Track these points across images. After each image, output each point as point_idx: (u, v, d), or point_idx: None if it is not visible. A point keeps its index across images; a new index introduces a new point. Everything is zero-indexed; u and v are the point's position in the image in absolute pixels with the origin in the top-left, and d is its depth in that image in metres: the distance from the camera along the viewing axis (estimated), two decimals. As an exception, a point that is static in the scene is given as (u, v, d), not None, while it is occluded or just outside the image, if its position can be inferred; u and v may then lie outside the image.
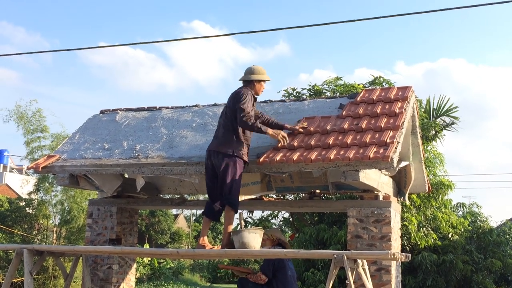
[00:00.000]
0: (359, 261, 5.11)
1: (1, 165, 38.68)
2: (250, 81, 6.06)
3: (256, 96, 6.11)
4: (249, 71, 6.08)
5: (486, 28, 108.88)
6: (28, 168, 7.54)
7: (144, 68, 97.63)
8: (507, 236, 14.60)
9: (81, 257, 6.90)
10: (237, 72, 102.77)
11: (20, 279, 14.94)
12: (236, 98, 5.90)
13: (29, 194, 19.96)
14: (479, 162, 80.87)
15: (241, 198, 6.30)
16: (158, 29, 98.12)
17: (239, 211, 6.20)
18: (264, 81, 6.11)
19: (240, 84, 6.14)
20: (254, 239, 5.71)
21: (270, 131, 5.90)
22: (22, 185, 21.05)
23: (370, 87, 12.84)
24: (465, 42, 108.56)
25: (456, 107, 14.44)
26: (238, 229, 5.88)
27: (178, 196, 8.01)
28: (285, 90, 14.02)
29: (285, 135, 6.03)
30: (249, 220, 14.32)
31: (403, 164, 6.64)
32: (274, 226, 13.85)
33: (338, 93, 12.56)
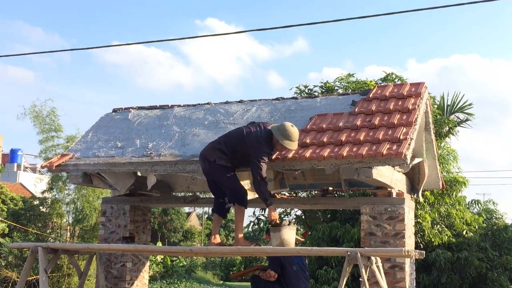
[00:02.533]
0: (372, 258, 5.08)
1: (15, 164, 38.98)
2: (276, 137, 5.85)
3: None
4: (285, 129, 5.82)
5: (496, 22, 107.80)
6: (42, 167, 7.59)
7: (160, 67, 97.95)
8: (523, 233, 14.46)
9: (95, 255, 6.94)
10: (255, 70, 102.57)
11: (34, 277, 15.04)
12: (256, 145, 5.80)
13: (43, 192, 20.10)
14: (496, 159, 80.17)
15: (254, 195, 6.29)
16: (172, 28, 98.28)
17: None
18: (287, 148, 5.87)
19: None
20: (292, 235, 5.81)
21: (272, 209, 5.93)
22: (36, 183, 21.20)
23: (383, 84, 12.77)
24: (474, 37, 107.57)
25: (470, 104, 14.31)
26: (275, 225, 5.85)
27: (191, 194, 8.03)
28: (297, 87, 13.99)
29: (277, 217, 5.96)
30: (261, 217, 14.33)
31: (416, 160, 6.59)
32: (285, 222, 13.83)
33: (350, 90, 12.50)
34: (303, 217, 14.21)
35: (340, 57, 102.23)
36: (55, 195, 19.76)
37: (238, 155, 5.92)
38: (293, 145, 5.84)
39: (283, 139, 5.78)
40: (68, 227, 20.37)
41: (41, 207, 20.54)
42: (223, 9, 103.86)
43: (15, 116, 19.10)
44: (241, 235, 6.03)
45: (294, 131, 5.85)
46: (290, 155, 5.85)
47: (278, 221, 5.87)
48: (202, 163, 6.05)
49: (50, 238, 19.53)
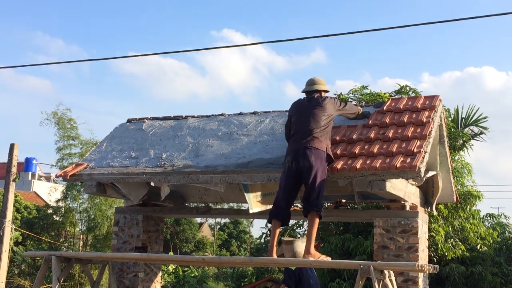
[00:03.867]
0: (385, 272, 5.05)
1: (30, 172, 39.32)
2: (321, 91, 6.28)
3: None
4: (320, 82, 6.30)
5: (507, 34, 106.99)
6: (57, 176, 7.68)
7: (177, 77, 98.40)
8: (537, 248, 14.27)
9: (107, 265, 6.96)
10: (271, 81, 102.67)
11: (47, 286, 15.12)
12: (332, 101, 6.12)
13: (57, 201, 20.27)
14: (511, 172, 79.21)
15: (267, 207, 6.29)
16: (188, 38, 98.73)
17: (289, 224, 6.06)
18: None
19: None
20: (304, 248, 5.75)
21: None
22: (50, 192, 21.39)
23: (397, 96, 12.74)
24: (489, 49, 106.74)
25: (485, 117, 14.20)
26: (286, 239, 5.82)
27: (204, 204, 8.04)
28: (310, 100, 13.97)
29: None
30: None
31: (430, 174, 6.56)
32: (298, 236, 13.79)
33: (364, 102, 12.47)
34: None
35: (356, 68, 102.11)
36: (69, 204, 19.93)
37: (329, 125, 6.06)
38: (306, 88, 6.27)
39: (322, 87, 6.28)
40: (81, 236, 20.50)
41: (54, 216, 20.71)
42: (239, 20, 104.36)
43: (38, 123, 19.39)
44: (312, 248, 5.68)
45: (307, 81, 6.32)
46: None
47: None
48: (304, 153, 5.67)
49: (63, 247, 19.67)
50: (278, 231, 5.93)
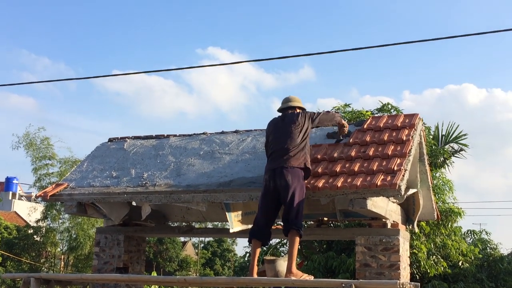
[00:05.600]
0: (367, 290, 5.05)
1: (10, 192, 38.81)
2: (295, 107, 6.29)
3: None
4: (295, 99, 6.34)
5: (490, 52, 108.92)
6: (37, 196, 7.61)
7: (164, 95, 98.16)
8: (519, 264, 14.41)
9: (88, 286, 6.88)
10: (259, 99, 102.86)
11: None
12: (305, 115, 6.09)
13: (37, 221, 20.01)
14: (494, 188, 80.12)
15: (248, 226, 6.27)
16: (173, 56, 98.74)
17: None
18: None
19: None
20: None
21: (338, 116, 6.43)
22: (30, 212, 21.13)
23: (378, 114, 12.86)
24: (468, 67, 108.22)
25: (465, 134, 14.41)
26: (268, 258, 5.80)
27: (186, 224, 8.00)
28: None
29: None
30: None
31: (411, 191, 6.61)
32: (282, 255, 13.74)
33: (346, 120, 12.57)
34: (299, 247, 14.13)
35: (343, 86, 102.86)
36: (49, 224, 19.69)
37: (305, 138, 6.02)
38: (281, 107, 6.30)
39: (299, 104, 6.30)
40: (62, 256, 20.23)
41: (35, 236, 20.43)
42: (225, 37, 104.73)
43: (11, 146, 19.18)
44: (294, 267, 5.64)
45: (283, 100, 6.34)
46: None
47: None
48: (280, 172, 5.69)
49: (44, 268, 19.38)
50: (258, 250, 5.93)
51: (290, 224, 5.63)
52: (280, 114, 6.29)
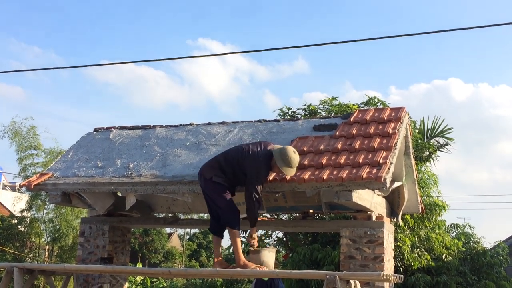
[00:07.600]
0: (351, 282, 5.09)
1: (-6, 182, 38.44)
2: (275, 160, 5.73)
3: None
4: (286, 155, 5.67)
5: (476, 47, 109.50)
6: (21, 186, 7.50)
7: (156, 86, 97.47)
8: (501, 258, 14.55)
9: (72, 276, 6.85)
10: (252, 90, 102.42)
11: (10, 297, 14.76)
12: (254, 165, 5.71)
13: (22, 211, 19.85)
14: (481, 182, 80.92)
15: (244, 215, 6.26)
16: (163, 48, 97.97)
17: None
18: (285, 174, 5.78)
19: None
20: (272, 258, 5.77)
21: (254, 231, 5.96)
22: (15, 202, 20.95)
23: (365, 108, 12.89)
24: (456, 62, 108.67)
25: (450, 128, 14.49)
26: (253, 248, 5.82)
27: (171, 215, 7.98)
28: (280, 110, 14.07)
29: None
30: (243, 239, 14.25)
31: (396, 184, 6.65)
32: (268, 245, 13.78)
33: (333, 113, 12.60)
34: (284, 239, 14.18)
35: (338, 79, 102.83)
36: (34, 214, 19.54)
37: (237, 173, 5.81)
38: (292, 172, 5.73)
39: (282, 165, 5.65)
40: (47, 246, 20.11)
41: (19, 226, 20.26)
42: (217, 29, 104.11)
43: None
44: (242, 258, 5.74)
45: (295, 157, 5.69)
46: (271, 177, 5.87)
47: (256, 246, 5.85)
48: (200, 180, 5.96)
49: (28, 258, 19.25)
50: (217, 241, 6.16)
51: (223, 224, 5.91)
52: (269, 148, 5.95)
